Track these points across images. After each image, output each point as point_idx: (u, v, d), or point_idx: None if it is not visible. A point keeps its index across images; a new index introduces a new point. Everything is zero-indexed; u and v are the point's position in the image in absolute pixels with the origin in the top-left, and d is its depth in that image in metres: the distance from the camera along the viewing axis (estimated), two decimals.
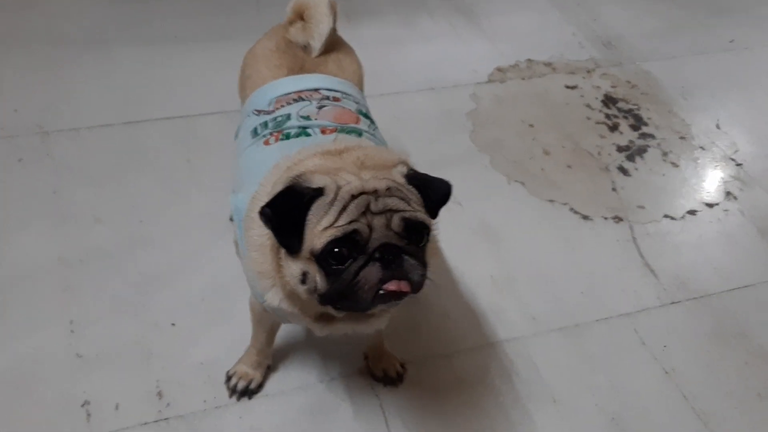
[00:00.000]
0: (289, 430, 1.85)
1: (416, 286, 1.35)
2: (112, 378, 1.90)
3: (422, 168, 1.48)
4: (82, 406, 1.83)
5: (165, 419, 1.83)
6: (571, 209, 2.57)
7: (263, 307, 1.58)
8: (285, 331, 1.98)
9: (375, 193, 1.34)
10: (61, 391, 1.86)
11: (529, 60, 3.27)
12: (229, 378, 1.90)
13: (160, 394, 1.88)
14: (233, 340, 1.96)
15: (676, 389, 2.05)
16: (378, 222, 1.32)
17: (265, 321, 1.79)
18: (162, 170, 2.48)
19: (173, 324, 2.03)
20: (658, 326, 2.22)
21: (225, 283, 2.11)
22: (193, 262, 2.21)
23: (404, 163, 1.45)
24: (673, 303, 2.30)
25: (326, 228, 1.31)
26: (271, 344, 1.90)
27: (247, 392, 1.89)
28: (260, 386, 1.91)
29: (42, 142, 2.52)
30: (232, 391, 1.89)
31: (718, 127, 3.05)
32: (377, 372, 1.97)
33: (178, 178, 2.46)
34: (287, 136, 1.67)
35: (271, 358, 1.93)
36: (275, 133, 1.70)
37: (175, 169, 2.50)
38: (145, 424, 1.82)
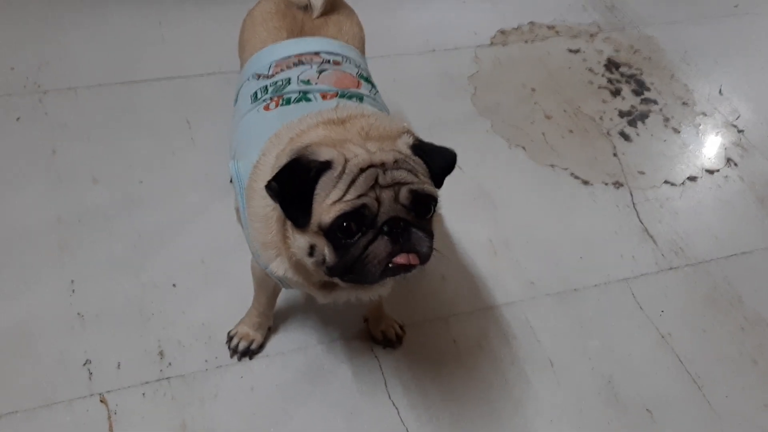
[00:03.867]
0: (289, 390, 1.87)
1: (424, 258, 1.36)
2: (114, 338, 1.91)
3: (421, 132, 1.47)
4: (84, 365, 1.85)
5: (167, 378, 1.85)
6: (572, 174, 2.57)
7: (264, 271, 1.59)
8: (286, 294, 1.99)
9: (383, 166, 1.33)
10: (62, 351, 1.87)
11: (532, 23, 3.23)
12: (230, 338, 1.92)
13: (161, 354, 1.90)
14: (234, 301, 1.97)
15: (672, 353, 2.08)
16: (386, 195, 1.32)
17: (267, 284, 1.79)
18: (160, 130, 2.47)
19: (174, 285, 2.04)
20: (655, 291, 2.24)
21: (224, 244, 2.11)
22: (191, 222, 2.21)
23: (409, 132, 1.44)
24: (671, 269, 2.31)
25: (335, 202, 1.31)
26: (273, 306, 1.91)
27: (248, 353, 1.91)
28: (261, 347, 1.93)
29: (39, 101, 2.49)
30: (233, 351, 1.91)
31: (720, 93, 3.03)
32: (377, 334, 1.98)
33: (176, 139, 2.45)
34: (288, 102, 1.65)
35: (272, 319, 1.94)
36: (275, 98, 1.68)
37: (173, 129, 2.48)
38: (147, 383, 1.84)
